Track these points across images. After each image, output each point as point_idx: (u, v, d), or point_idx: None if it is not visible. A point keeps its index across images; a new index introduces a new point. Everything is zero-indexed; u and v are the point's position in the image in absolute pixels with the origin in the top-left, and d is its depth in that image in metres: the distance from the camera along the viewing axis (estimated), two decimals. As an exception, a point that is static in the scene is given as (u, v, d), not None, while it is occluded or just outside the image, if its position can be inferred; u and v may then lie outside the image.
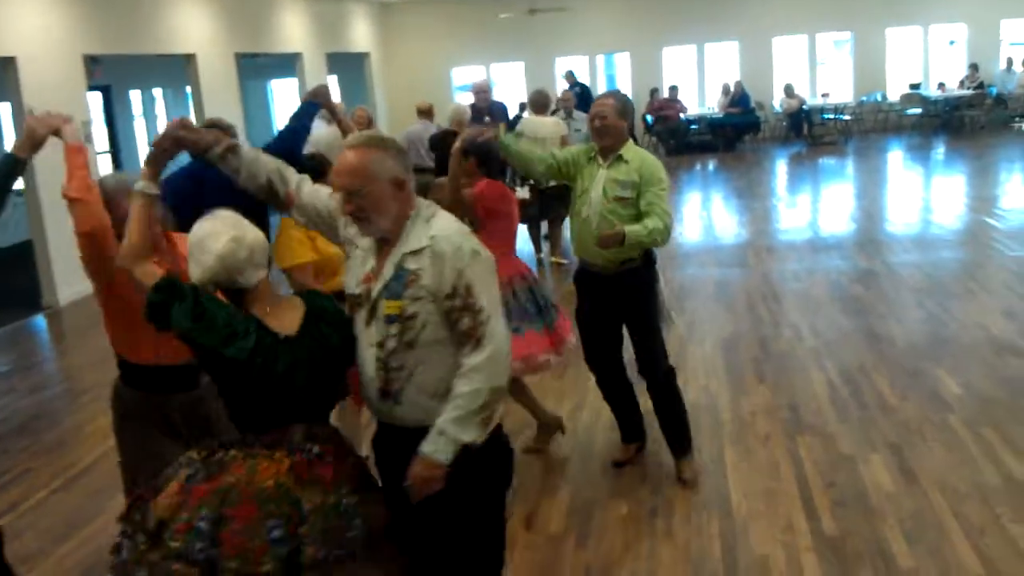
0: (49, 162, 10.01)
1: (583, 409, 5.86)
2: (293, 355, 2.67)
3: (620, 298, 4.72)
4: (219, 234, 2.68)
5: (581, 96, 15.98)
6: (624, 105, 4.65)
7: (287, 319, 2.73)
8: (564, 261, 9.88)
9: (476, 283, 2.60)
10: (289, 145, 4.71)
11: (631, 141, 4.71)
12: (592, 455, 5.25)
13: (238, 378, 2.66)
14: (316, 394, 2.77)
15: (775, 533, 4.22)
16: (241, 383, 2.67)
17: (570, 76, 17.94)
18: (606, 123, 4.59)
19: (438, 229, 2.66)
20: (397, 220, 2.68)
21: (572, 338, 5.07)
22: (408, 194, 2.70)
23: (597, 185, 4.61)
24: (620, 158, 4.61)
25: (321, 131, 8.61)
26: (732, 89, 20.05)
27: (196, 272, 2.69)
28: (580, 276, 4.88)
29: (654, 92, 20.39)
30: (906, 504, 4.36)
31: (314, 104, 4.98)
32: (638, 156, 4.61)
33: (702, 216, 13.27)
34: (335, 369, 2.79)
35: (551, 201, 9.42)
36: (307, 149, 6.57)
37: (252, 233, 2.73)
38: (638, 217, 4.49)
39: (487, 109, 9.44)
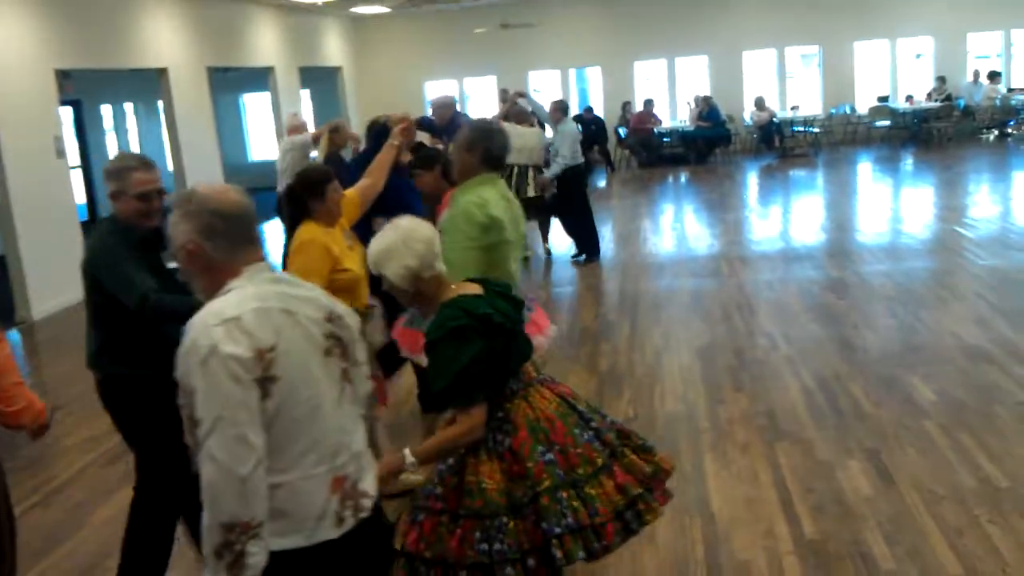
0: (21, 173, 10.02)
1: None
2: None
3: None
4: (422, 227, 3.04)
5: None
6: (471, 135, 4.02)
7: (470, 285, 3.11)
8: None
9: (201, 389, 2.09)
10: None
11: (483, 177, 4.01)
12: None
13: (507, 341, 3.02)
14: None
15: (756, 539, 4.26)
16: (508, 343, 3.03)
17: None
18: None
19: (200, 313, 2.19)
20: (208, 295, 2.27)
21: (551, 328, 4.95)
22: (207, 265, 2.27)
23: None
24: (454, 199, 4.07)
25: None
26: (696, 104, 20.13)
27: (410, 260, 2.95)
28: None
29: (626, 105, 20.52)
30: (884, 507, 4.42)
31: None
32: (462, 198, 3.96)
33: (675, 228, 13.35)
34: None
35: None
36: None
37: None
38: None
39: (446, 128, 8.97)
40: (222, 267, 2.25)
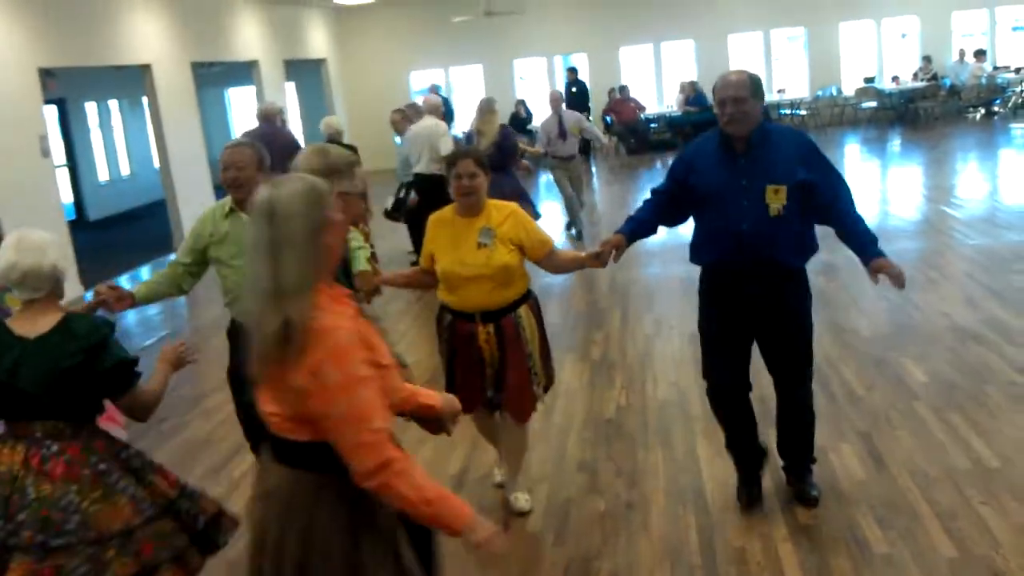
0: (6, 173, 9.99)
1: (554, 412, 5.88)
2: (23, 355, 2.94)
3: None
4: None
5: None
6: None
7: (39, 324, 2.99)
8: None
9: None
10: None
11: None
12: (566, 454, 5.28)
13: None
14: (52, 397, 2.96)
15: (751, 524, 4.27)
16: None
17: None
18: None
19: None
20: None
21: None
22: None
23: None
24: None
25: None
26: (682, 90, 20.08)
27: (61, 261, 3.09)
28: None
29: (612, 92, 20.48)
30: (878, 491, 4.43)
31: None
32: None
33: (665, 213, 13.33)
34: (73, 380, 2.96)
35: None
36: None
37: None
38: None
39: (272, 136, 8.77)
40: None
